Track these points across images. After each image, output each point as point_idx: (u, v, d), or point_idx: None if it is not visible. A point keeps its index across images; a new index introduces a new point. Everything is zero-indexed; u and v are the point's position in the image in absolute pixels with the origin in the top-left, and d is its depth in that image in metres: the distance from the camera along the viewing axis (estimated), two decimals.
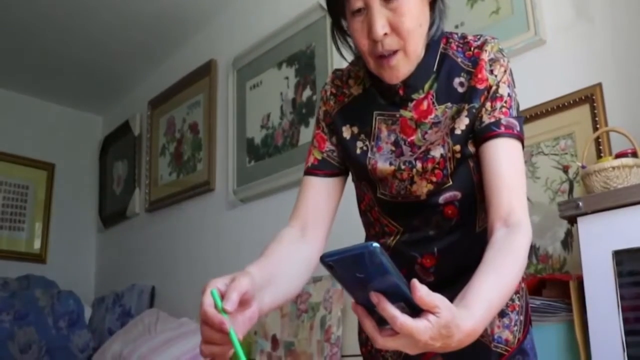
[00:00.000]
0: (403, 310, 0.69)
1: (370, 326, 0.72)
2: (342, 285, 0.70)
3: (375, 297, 0.68)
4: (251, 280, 0.79)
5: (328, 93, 1.13)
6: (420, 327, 0.68)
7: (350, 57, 1.14)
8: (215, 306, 0.74)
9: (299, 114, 2.74)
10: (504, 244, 0.86)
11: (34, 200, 4.17)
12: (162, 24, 3.48)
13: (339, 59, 2.84)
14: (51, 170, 4.27)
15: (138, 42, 3.66)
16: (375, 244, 0.64)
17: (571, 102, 1.78)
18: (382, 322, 0.71)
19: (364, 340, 1.17)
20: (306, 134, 2.68)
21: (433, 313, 0.69)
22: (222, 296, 0.76)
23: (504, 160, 0.95)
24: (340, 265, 0.66)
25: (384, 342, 0.71)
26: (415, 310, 0.69)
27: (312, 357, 2.22)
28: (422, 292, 0.68)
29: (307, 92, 2.72)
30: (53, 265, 4.12)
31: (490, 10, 2.02)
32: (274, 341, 2.44)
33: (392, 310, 0.68)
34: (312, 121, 2.66)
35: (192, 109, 3.52)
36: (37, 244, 4.14)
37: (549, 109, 1.83)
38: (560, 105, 1.81)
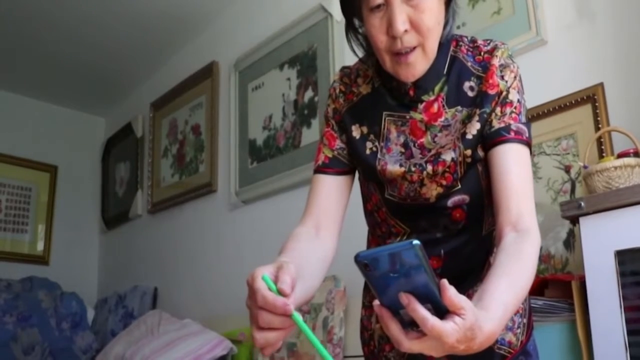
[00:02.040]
0: (430, 312, 0.68)
1: (395, 329, 0.70)
2: (371, 285, 0.69)
3: (406, 298, 0.67)
4: (295, 269, 0.76)
5: (337, 91, 1.12)
6: (448, 329, 0.67)
7: (353, 61, 1.14)
8: (270, 290, 0.71)
9: (301, 115, 2.75)
10: (515, 249, 0.86)
11: (36, 202, 4.18)
12: (164, 26, 3.49)
13: (341, 60, 2.83)
14: (54, 172, 4.28)
15: (140, 45, 3.67)
16: (417, 242, 0.64)
17: (573, 102, 1.78)
18: (404, 325, 0.70)
19: (367, 340, 1.17)
20: (308, 135, 2.68)
21: (458, 315, 0.68)
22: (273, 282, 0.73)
23: (514, 165, 0.95)
24: (377, 263, 0.66)
25: (410, 345, 0.70)
26: (439, 312, 0.68)
27: (315, 358, 2.22)
28: (451, 293, 0.67)
29: (308, 93, 2.72)
30: (56, 267, 4.13)
31: (491, 10, 2.02)
32: None
33: (422, 312, 0.67)
34: (314, 122, 2.66)
35: (194, 110, 3.53)
36: (40, 246, 4.15)
37: (551, 109, 1.83)
38: (562, 105, 1.80)
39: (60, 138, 4.36)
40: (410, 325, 0.70)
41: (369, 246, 1.20)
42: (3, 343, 3.20)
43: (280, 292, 0.71)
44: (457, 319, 0.68)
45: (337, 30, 2.58)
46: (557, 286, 1.53)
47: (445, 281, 0.68)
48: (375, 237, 1.14)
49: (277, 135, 2.86)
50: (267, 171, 2.85)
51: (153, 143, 3.87)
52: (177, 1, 3.26)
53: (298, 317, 0.70)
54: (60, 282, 3.87)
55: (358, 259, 0.66)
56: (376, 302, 0.71)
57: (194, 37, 3.60)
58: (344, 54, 2.54)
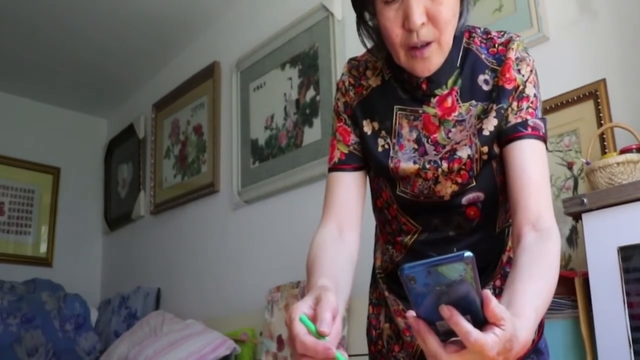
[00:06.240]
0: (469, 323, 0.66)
1: (434, 343, 0.68)
2: (410, 297, 0.66)
3: (447, 311, 0.65)
4: (335, 294, 0.74)
5: (346, 84, 1.08)
6: (490, 342, 0.65)
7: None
8: (310, 332, 0.68)
9: (303, 115, 2.74)
10: (539, 251, 0.85)
11: (39, 204, 4.19)
12: (166, 27, 3.49)
13: (342, 59, 2.82)
14: (56, 174, 4.29)
15: (142, 45, 3.67)
16: (469, 253, 0.61)
17: (575, 98, 1.78)
18: (437, 336, 0.68)
19: (375, 338, 1.15)
20: (310, 135, 2.68)
21: (498, 326, 0.66)
22: (312, 320, 0.70)
23: (532, 162, 0.93)
24: (424, 276, 0.62)
25: (449, 358, 0.67)
26: (477, 322, 0.66)
27: None
28: (494, 304, 0.65)
29: (310, 93, 2.72)
30: (59, 268, 4.13)
31: (492, 7, 2.02)
32: (280, 342, 2.44)
33: (466, 325, 0.64)
34: (316, 122, 2.66)
35: (196, 111, 3.53)
36: (43, 248, 4.15)
37: (553, 106, 1.82)
38: (564, 102, 1.80)
39: (63, 140, 4.37)
40: (444, 335, 0.68)
41: (376, 243, 1.17)
42: (7, 345, 3.20)
43: (320, 334, 0.68)
44: (497, 330, 0.65)
45: (338, 29, 2.58)
46: (560, 283, 1.51)
47: (488, 292, 0.66)
48: (385, 234, 1.11)
49: (279, 135, 2.86)
50: (269, 171, 2.85)
51: (155, 144, 3.87)
52: (177, 2, 3.26)
53: (342, 357, 0.67)
54: (63, 283, 3.87)
55: (404, 274, 0.63)
56: (411, 314, 0.68)
57: (195, 38, 3.60)
58: (345, 53, 2.54)
